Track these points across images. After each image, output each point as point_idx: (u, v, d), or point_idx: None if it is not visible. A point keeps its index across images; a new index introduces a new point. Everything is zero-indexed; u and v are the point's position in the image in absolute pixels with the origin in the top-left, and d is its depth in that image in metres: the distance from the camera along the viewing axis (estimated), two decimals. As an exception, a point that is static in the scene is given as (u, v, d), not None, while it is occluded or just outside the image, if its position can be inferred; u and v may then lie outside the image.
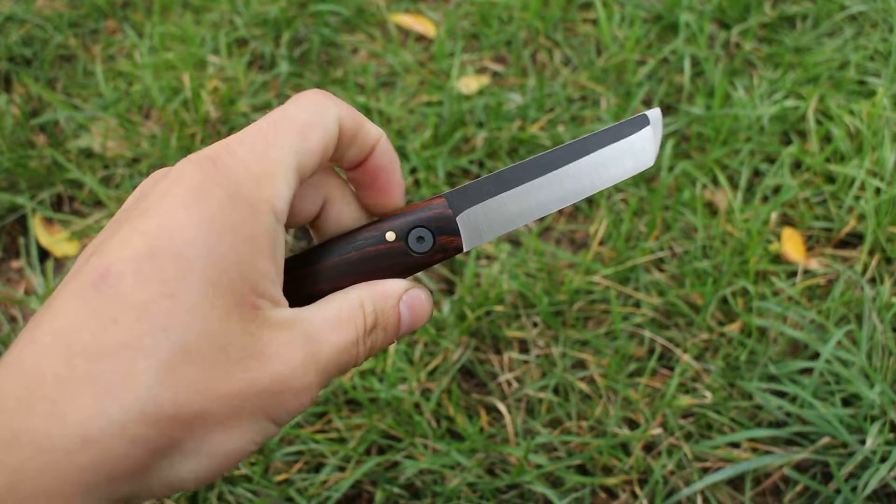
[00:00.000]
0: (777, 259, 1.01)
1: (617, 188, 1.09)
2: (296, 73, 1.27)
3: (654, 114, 0.40)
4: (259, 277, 0.33)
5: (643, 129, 0.40)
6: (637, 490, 0.82)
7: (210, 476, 0.33)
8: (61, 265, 1.05)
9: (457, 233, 0.39)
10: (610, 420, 0.86)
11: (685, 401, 0.86)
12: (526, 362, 0.92)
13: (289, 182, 0.35)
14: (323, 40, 1.33)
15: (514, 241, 1.04)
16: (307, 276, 0.39)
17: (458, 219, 0.39)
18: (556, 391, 0.89)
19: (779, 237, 1.02)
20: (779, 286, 0.96)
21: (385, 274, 0.38)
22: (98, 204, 1.12)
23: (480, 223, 0.39)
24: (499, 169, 0.41)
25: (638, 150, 0.40)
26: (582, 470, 0.84)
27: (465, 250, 0.39)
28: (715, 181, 1.10)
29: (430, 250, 0.39)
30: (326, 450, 0.84)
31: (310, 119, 0.36)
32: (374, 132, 0.39)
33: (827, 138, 1.14)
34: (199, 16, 1.38)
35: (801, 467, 0.83)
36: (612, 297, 0.93)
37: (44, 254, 1.07)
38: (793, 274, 0.99)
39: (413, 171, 1.11)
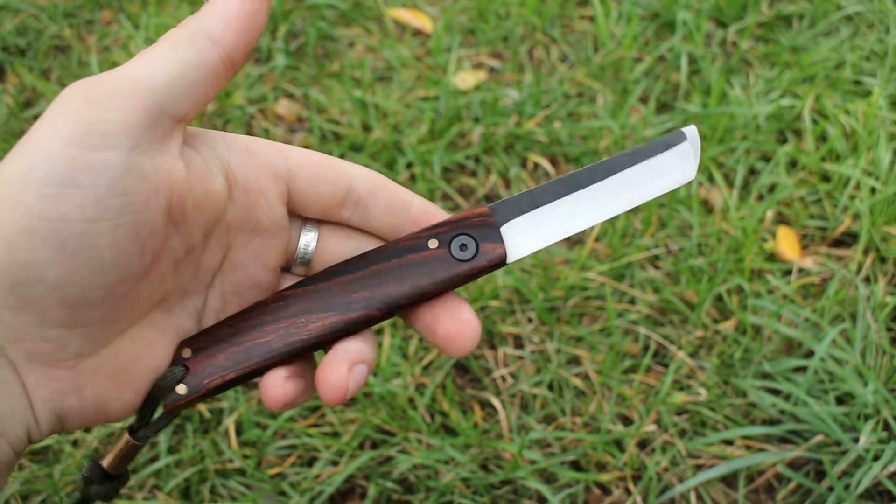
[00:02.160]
0: (772, 257, 1.01)
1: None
2: (292, 66, 1.26)
3: (691, 130, 0.41)
4: None
5: (681, 145, 0.41)
6: (631, 486, 0.82)
7: None
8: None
9: (500, 241, 0.39)
10: (604, 416, 0.86)
11: (679, 398, 0.86)
12: (521, 358, 0.92)
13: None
14: (320, 34, 1.32)
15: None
16: (349, 283, 0.39)
17: (501, 228, 0.39)
18: (550, 387, 0.89)
19: (774, 235, 1.02)
20: (774, 284, 0.97)
21: (427, 282, 0.38)
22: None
23: (524, 234, 0.39)
24: (538, 185, 0.42)
25: (676, 166, 0.40)
26: (576, 466, 0.84)
27: (508, 261, 0.39)
28: (711, 179, 1.10)
29: (473, 258, 0.38)
30: (320, 444, 0.83)
31: None
32: None
33: (822, 137, 1.15)
34: (194, 7, 1.37)
35: (794, 465, 0.83)
36: (608, 293, 0.93)
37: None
38: (787, 272, 0.99)
39: (409, 165, 1.11)
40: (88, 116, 0.31)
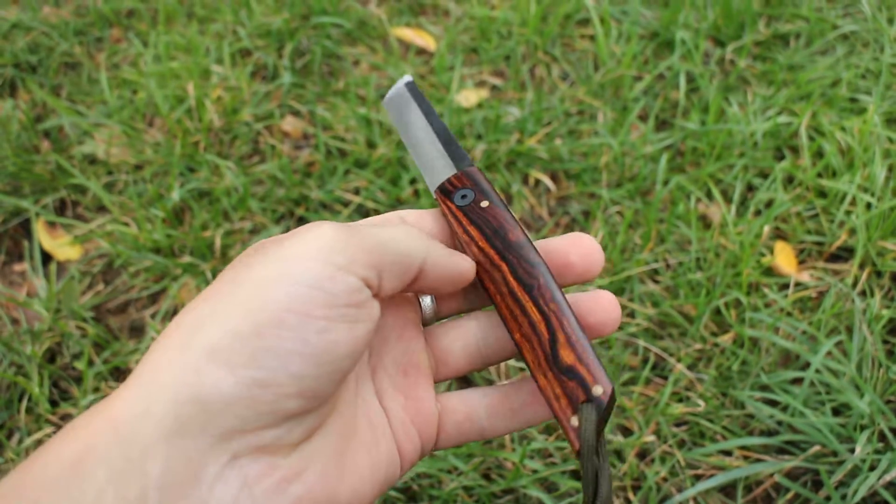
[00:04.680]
0: (769, 271, 1.02)
1: (613, 201, 1.10)
2: (298, 83, 1.29)
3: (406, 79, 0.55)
4: None
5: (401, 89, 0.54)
6: (631, 496, 0.83)
7: None
8: (63, 269, 1.06)
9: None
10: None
11: (678, 409, 0.88)
12: (522, 370, 0.93)
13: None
14: (325, 52, 1.35)
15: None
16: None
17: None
18: (551, 398, 0.91)
19: (771, 250, 1.04)
20: (771, 298, 0.98)
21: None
22: (101, 209, 1.13)
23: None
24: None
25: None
26: (576, 475, 0.85)
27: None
28: (709, 195, 1.12)
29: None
30: (325, 453, 0.85)
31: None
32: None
33: (819, 154, 1.17)
34: (203, 26, 1.40)
35: (791, 475, 0.85)
36: (608, 306, 0.94)
37: (46, 257, 1.08)
38: (785, 286, 1.01)
39: (412, 181, 1.13)
40: (336, 249, 0.36)
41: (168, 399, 0.32)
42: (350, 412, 0.40)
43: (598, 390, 0.38)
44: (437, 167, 0.49)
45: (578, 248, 0.44)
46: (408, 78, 0.54)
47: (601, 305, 0.44)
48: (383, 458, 0.41)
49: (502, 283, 0.43)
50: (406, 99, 0.52)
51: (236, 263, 0.37)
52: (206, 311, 0.34)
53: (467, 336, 0.47)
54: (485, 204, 0.46)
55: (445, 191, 0.47)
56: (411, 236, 0.40)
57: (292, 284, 0.34)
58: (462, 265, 0.43)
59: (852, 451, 0.82)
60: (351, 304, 0.35)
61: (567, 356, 0.40)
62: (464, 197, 0.47)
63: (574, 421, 0.38)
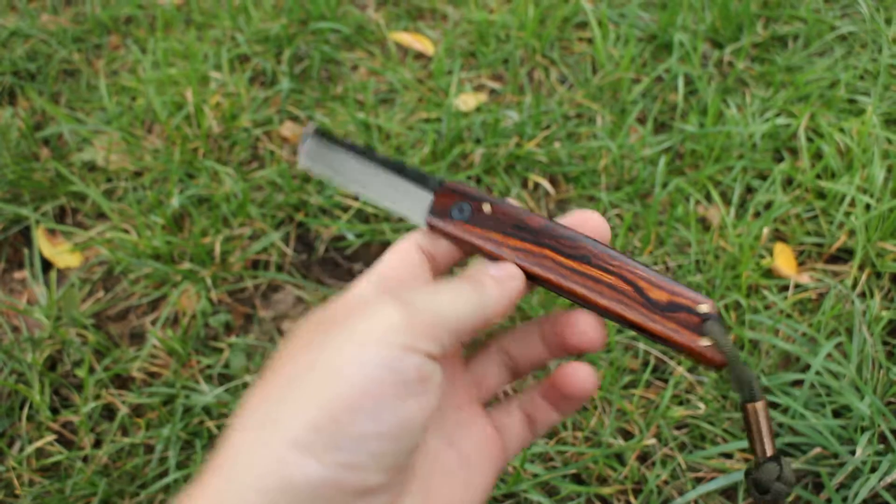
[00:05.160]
0: (769, 273, 1.02)
1: (612, 203, 1.10)
2: (297, 89, 1.29)
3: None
4: None
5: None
6: (632, 499, 0.83)
7: None
8: (64, 276, 1.07)
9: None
10: (605, 431, 0.87)
11: (679, 412, 0.88)
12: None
13: None
14: (323, 57, 1.35)
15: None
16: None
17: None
18: (552, 402, 0.91)
19: (771, 252, 1.04)
20: (771, 300, 0.98)
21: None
22: (101, 216, 1.14)
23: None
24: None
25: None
26: (577, 479, 0.85)
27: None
28: (708, 197, 1.12)
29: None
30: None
31: None
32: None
33: (818, 155, 1.17)
34: (201, 32, 1.40)
35: (792, 478, 0.85)
36: (608, 309, 0.94)
37: (46, 265, 1.08)
38: (784, 288, 1.01)
39: (412, 185, 1.13)
40: (406, 331, 0.37)
41: (257, 490, 0.33)
42: (427, 465, 0.42)
43: (704, 307, 0.40)
44: (407, 198, 0.47)
45: (587, 227, 0.44)
46: (311, 126, 0.51)
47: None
48: (468, 494, 0.43)
49: (557, 266, 0.43)
50: (324, 148, 0.50)
51: (301, 344, 0.38)
52: (280, 402, 0.36)
53: (499, 356, 0.49)
54: (487, 208, 0.45)
55: (439, 213, 0.45)
56: (465, 297, 0.40)
57: (363, 368, 0.35)
58: (515, 287, 0.43)
59: (853, 452, 0.82)
60: (418, 379, 0.37)
61: (660, 296, 0.41)
62: (461, 211, 0.45)
63: (703, 342, 0.40)
